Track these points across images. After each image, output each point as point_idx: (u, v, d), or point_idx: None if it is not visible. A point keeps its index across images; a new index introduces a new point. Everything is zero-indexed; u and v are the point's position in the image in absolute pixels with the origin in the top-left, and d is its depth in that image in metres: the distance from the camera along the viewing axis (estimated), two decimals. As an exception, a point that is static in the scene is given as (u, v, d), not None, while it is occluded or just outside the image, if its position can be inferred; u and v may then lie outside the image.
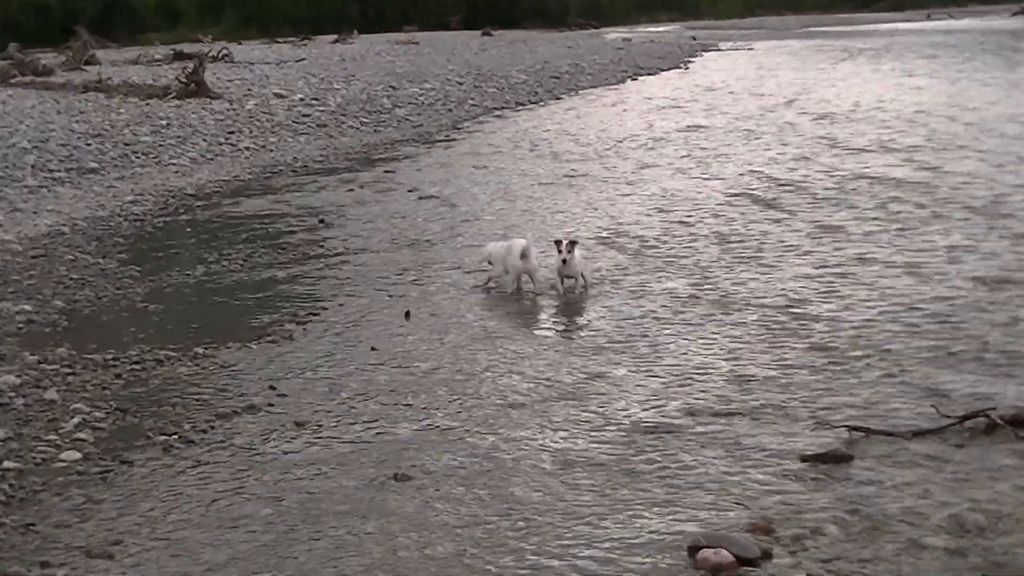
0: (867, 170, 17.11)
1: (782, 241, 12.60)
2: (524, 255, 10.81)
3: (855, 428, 6.96)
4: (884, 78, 34.81)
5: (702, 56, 51.39)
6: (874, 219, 13.47)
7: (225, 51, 40.07)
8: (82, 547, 5.91)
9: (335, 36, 60.13)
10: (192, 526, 6.11)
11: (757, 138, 21.87)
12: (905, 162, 17.75)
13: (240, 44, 51.43)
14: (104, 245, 13.98)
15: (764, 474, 6.45)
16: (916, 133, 21.24)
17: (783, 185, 16.30)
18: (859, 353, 8.54)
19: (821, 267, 11.34)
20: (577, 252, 10.72)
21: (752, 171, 17.73)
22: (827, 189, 15.73)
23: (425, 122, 26.85)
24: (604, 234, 13.40)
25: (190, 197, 17.38)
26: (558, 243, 10.82)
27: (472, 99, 31.13)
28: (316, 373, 8.72)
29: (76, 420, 7.66)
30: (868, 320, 9.41)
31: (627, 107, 29.45)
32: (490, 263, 11.16)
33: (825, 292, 10.38)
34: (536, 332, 9.78)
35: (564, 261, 10.71)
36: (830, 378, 8.05)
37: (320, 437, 7.34)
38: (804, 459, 6.61)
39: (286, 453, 7.09)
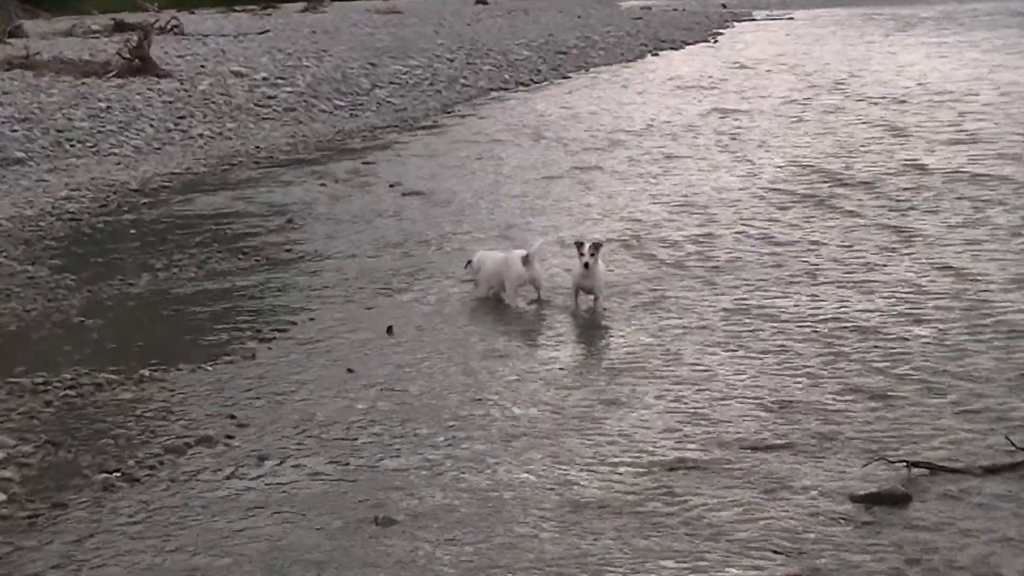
0: (934, 164, 17.07)
1: (831, 246, 12.63)
2: (527, 261, 10.85)
3: (915, 463, 6.98)
4: (950, 53, 34.83)
5: (734, 27, 51.53)
6: (944, 222, 13.46)
7: (175, 21, 40.17)
8: (8, 603, 5.93)
9: (303, 4, 60.22)
10: (137, 578, 6.12)
11: (801, 125, 21.92)
12: (983, 155, 17.64)
13: (192, 13, 51.56)
14: (33, 249, 14.01)
15: (807, 518, 6.46)
16: (994, 120, 21.15)
17: (832, 180, 16.32)
18: (920, 376, 8.57)
19: (876, 277, 11.36)
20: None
21: (795, 164, 17.77)
22: (886, 186, 15.75)
23: (409, 105, 26.91)
24: (621, 238, 13.43)
25: (134, 193, 17.42)
26: (579, 244, 10.71)
27: (464, 78, 31.21)
28: (282, 399, 8.73)
29: None
30: (932, 338, 9.44)
31: (647, 88, 29.53)
32: (472, 271, 11.25)
33: (881, 306, 10.40)
34: (541, 351, 9.80)
35: (586, 266, 10.54)
36: (886, 405, 8.07)
37: (287, 474, 7.35)
38: (855, 500, 6.63)
39: (247, 493, 7.10)
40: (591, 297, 10.72)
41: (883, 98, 25.08)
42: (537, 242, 11.37)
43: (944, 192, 15.17)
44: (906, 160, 17.49)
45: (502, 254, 11.31)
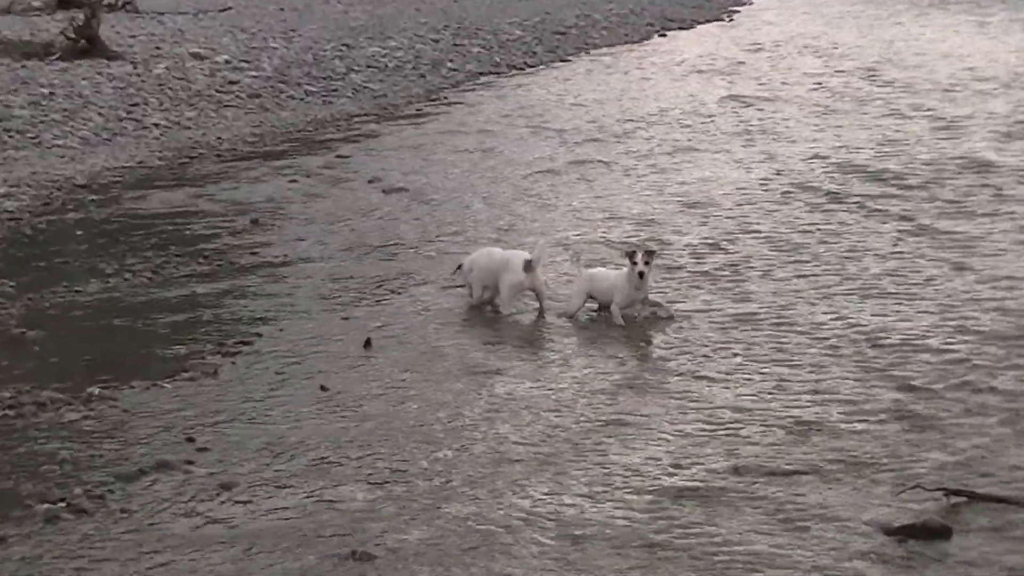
0: (990, 158, 17.04)
1: (863, 249, 12.64)
2: (530, 266, 10.85)
3: (955, 492, 7.00)
4: (997, 32, 34.79)
5: (750, 4, 51.57)
6: (990, 225, 13.47)
7: (127, -3, 40.13)
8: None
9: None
10: (85, 621, 6.12)
11: (827, 114, 21.92)
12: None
13: (146, -12, 51.41)
14: (-32, 252, 13.98)
15: (835, 553, 6.48)
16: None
17: (863, 175, 16.33)
18: (961, 395, 8.59)
19: (914, 284, 11.37)
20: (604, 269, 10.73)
21: (820, 157, 17.79)
22: (924, 183, 15.71)
23: (389, 91, 26.90)
24: (627, 238, 13.44)
25: (81, 189, 17.38)
26: (632, 253, 10.76)
27: (451, 61, 31.21)
28: (248, 420, 8.73)
29: (-68, 482, 7.67)
30: (976, 353, 9.46)
31: (654, 72, 29.53)
32: (464, 275, 11.26)
33: (918, 317, 10.42)
34: (536, 367, 9.81)
35: (641, 275, 10.59)
36: (923, 426, 8.09)
37: (253, 504, 7.35)
38: (889, 532, 6.64)
39: (208, 526, 7.10)
40: (640, 306, 10.77)
41: (925, 85, 24.98)
42: (540, 242, 11.39)
43: (1000, 193, 15.13)
44: (954, 156, 17.43)
45: (501, 252, 11.31)
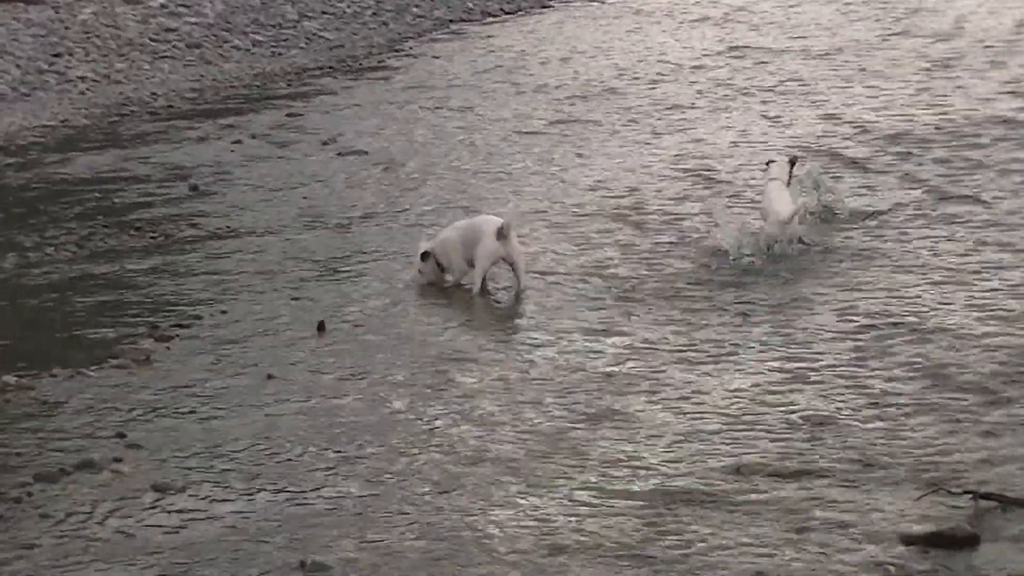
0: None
1: (883, 221, 12.62)
2: (503, 234, 10.85)
3: (983, 495, 7.03)
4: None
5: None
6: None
7: (48, -67, 39.97)
8: None
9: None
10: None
11: (854, 69, 21.57)
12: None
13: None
14: None
15: (848, 563, 6.51)
16: None
17: (887, 139, 16.20)
18: (988, 387, 8.62)
19: (941, 261, 11.35)
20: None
21: (838, 117, 17.69)
22: (957, 146, 15.48)
23: (347, 41, 26.82)
24: (615, 208, 13.43)
25: (-5, 151, 17.34)
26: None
27: (417, 6, 31.10)
28: (185, 414, 8.74)
29: None
30: (1005, 343, 9.49)
31: (646, 18, 29.46)
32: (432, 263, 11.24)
33: (945, 298, 10.43)
34: (512, 354, 9.82)
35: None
36: (948, 422, 8.13)
37: (190, 508, 7.36)
38: (908, 541, 6.68)
39: (140, 532, 7.10)
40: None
41: (963, 36, 24.22)
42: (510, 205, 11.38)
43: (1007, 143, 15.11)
44: (974, 113, 17.35)
45: (467, 221, 11.32)
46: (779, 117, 17.95)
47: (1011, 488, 7.16)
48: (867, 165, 14.77)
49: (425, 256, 11.26)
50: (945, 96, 18.30)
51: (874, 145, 15.75)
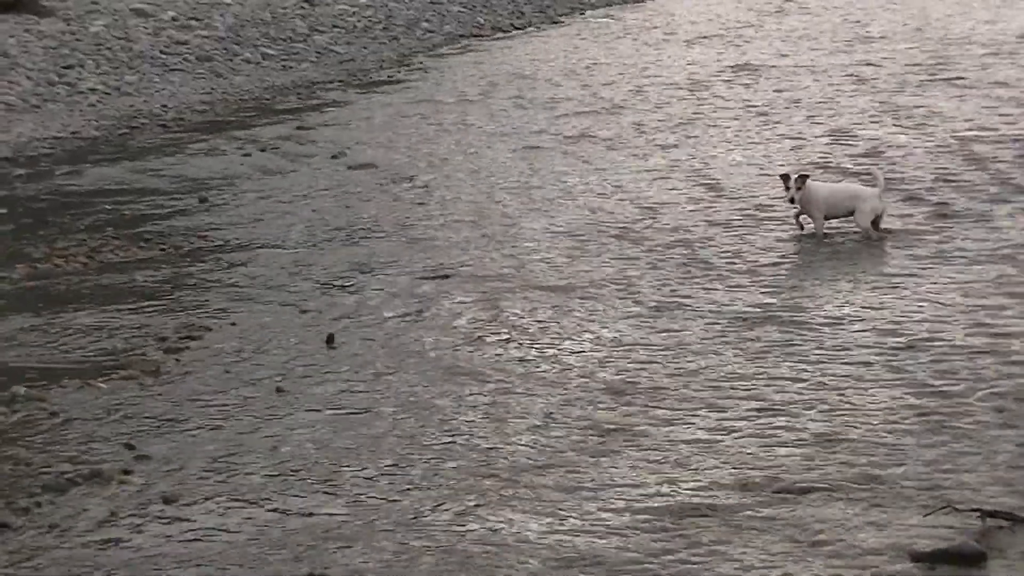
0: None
1: (894, 235, 12.59)
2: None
3: (991, 513, 7.02)
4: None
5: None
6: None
7: (60, -55, 40.01)
8: None
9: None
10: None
11: (860, 85, 21.57)
12: None
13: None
14: None
15: (856, 579, 6.51)
16: None
17: (895, 152, 16.17)
18: (998, 404, 8.61)
19: (953, 279, 11.31)
20: None
21: (845, 134, 17.69)
22: (977, 163, 15.33)
23: (358, 55, 26.86)
24: (626, 225, 13.43)
25: (5, 162, 17.35)
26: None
27: (428, 21, 31.16)
28: (194, 426, 8.72)
29: None
30: (1018, 356, 9.50)
31: (658, 34, 29.50)
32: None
33: (958, 313, 10.40)
34: (520, 368, 9.78)
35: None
36: (956, 438, 8.11)
37: (199, 520, 7.35)
38: (916, 558, 6.66)
39: (148, 543, 7.09)
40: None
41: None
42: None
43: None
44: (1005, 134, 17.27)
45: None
46: (785, 134, 17.96)
47: (1019, 506, 7.14)
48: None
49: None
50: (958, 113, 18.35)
51: (883, 159, 15.75)
